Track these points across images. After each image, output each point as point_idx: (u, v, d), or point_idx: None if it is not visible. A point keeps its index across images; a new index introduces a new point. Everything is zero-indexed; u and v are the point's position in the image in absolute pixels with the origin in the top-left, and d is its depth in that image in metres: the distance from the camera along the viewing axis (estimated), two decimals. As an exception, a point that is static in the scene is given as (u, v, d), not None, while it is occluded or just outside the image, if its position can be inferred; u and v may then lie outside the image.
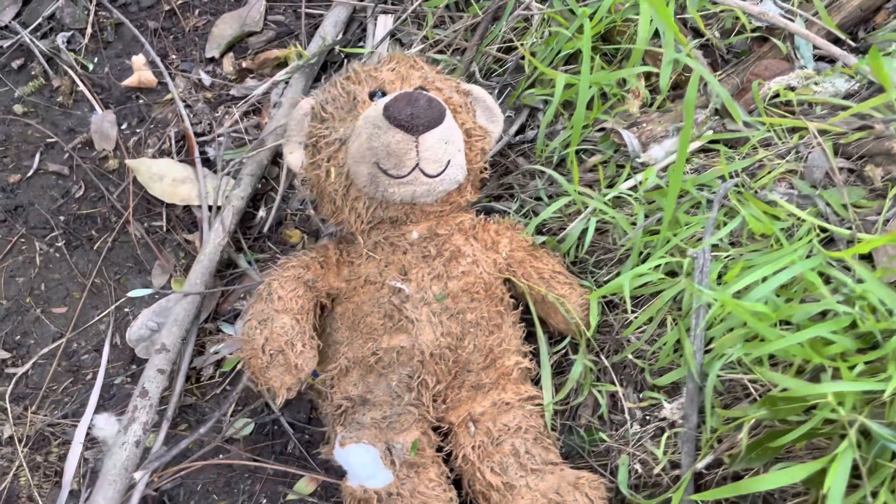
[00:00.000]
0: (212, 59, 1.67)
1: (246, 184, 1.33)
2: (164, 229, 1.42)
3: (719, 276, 1.02)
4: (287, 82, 1.50)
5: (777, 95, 1.14)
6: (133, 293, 1.35)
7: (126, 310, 1.35)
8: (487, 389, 1.03)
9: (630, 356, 1.08)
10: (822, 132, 1.05)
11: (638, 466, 1.04)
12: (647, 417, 1.06)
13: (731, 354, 0.94)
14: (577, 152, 1.23)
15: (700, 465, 0.96)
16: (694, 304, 1.01)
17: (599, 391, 1.09)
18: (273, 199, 1.41)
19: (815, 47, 1.17)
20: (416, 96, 0.91)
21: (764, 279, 0.97)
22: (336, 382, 1.02)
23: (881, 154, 1.01)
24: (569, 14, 1.32)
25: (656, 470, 1.00)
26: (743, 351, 0.93)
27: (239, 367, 1.25)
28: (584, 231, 1.16)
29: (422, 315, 0.99)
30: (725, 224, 1.05)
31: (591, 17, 1.24)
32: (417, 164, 0.92)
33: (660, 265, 1.05)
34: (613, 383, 1.08)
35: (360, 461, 0.98)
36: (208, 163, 1.48)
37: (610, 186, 1.16)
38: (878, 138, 1.01)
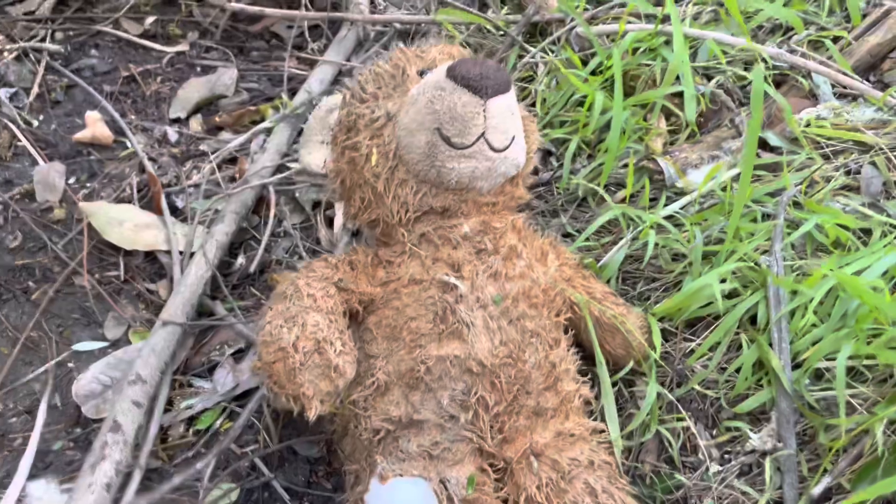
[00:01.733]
0: (177, 120, 1.54)
1: (230, 220, 1.17)
2: (121, 279, 1.21)
3: (793, 292, 0.93)
4: (268, 133, 1.38)
5: (807, 126, 1.12)
6: (80, 346, 1.12)
7: (70, 365, 1.10)
8: (549, 416, 0.86)
9: (697, 387, 0.94)
10: (873, 149, 1.03)
11: (726, 511, 0.87)
12: (727, 454, 0.91)
13: (838, 355, 0.83)
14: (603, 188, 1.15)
15: (816, 489, 0.81)
16: (773, 313, 0.91)
17: (667, 429, 0.93)
18: (253, 247, 1.24)
19: (832, 86, 1.17)
20: (482, 59, 0.81)
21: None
22: (372, 403, 0.83)
23: (937, 164, 0.99)
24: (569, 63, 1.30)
25: (757, 505, 0.84)
26: (856, 349, 0.82)
27: (217, 425, 1.02)
28: (626, 259, 1.06)
29: (477, 319, 0.83)
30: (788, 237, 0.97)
31: (608, 60, 1.21)
32: (483, 134, 0.81)
33: (726, 279, 0.95)
34: (682, 419, 0.93)
35: (408, 499, 0.77)
36: (176, 212, 1.30)
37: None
38: (934, 147, 0.99)
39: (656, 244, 1.03)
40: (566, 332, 0.93)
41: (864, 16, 1.24)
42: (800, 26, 1.23)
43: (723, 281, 0.95)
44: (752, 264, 0.94)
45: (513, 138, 0.84)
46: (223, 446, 0.92)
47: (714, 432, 0.93)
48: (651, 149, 1.15)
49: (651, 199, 1.11)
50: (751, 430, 0.90)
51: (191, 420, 1.03)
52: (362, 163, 0.86)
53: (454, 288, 0.83)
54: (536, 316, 0.87)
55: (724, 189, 1.04)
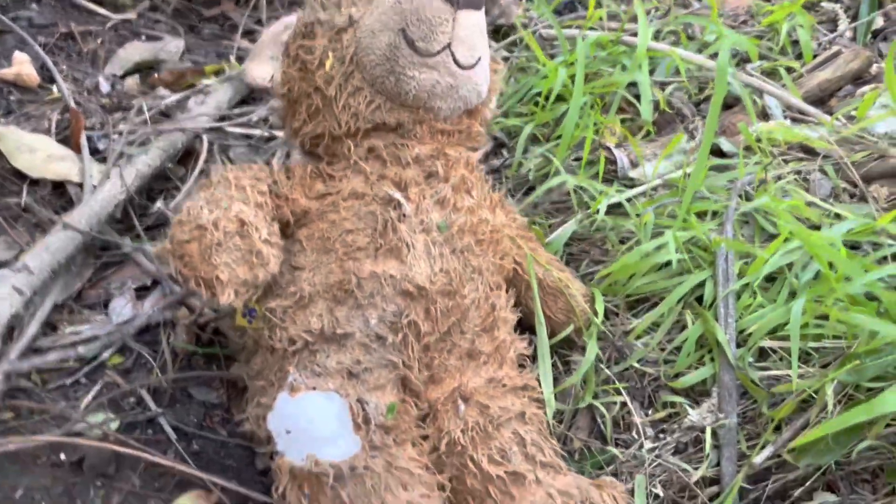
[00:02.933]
0: (112, 76, 1.46)
1: (155, 154, 1.08)
2: (21, 206, 1.10)
3: (740, 275, 0.90)
4: (208, 93, 1.31)
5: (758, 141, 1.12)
6: (-41, 262, 0.99)
7: (-56, 280, 0.97)
8: (482, 362, 0.79)
9: (636, 364, 0.89)
10: (821, 157, 1.03)
11: (658, 489, 0.80)
12: (662, 433, 0.85)
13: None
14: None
15: (758, 459, 0.75)
16: (721, 290, 0.87)
17: (602, 403, 0.87)
18: (174, 196, 1.15)
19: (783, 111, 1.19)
20: (458, -27, 0.78)
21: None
22: (291, 315, 0.74)
23: (886, 175, 0.99)
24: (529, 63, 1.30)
25: (694, 479, 0.78)
26: (809, 314, 0.78)
27: (105, 356, 0.90)
28: (573, 241, 1.02)
29: (419, 242, 0.77)
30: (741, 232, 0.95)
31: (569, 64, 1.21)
32: (449, 45, 0.77)
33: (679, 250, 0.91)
34: (619, 392, 0.87)
35: (320, 415, 0.68)
36: (96, 155, 1.20)
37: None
38: (883, 157, 1.00)
39: (603, 226, 1.00)
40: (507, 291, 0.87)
41: (815, 56, 1.29)
42: (755, 55, 1.26)
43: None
44: (703, 238, 0.91)
45: (479, 59, 0.80)
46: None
47: (650, 412, 0.87)
48: (606, 140, 1.13)
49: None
50: (689, 406, 0.84)
51: (74, 347, 0.91)
52: (315, 68, 0.80)
53: (398, 206, 0.77)
54: (481, 255, 0.81)
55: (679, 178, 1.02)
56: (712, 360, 0.86)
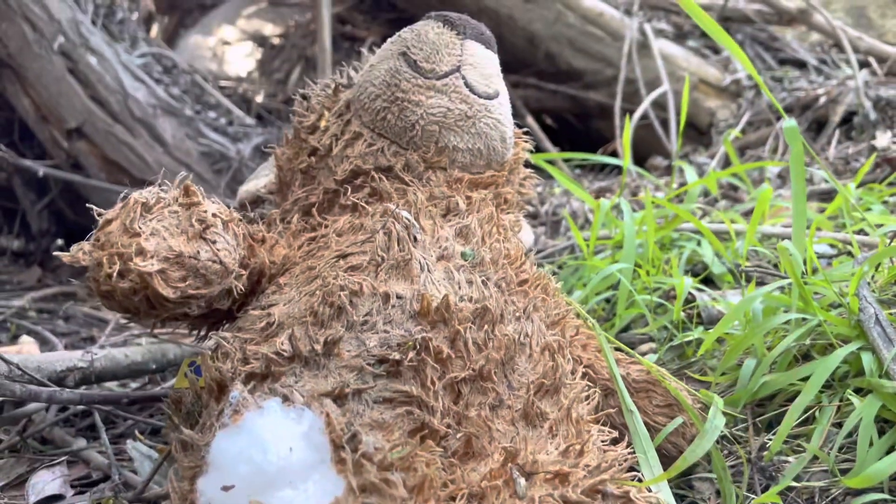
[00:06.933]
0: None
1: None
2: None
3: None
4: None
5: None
6: None
7: None
8: (550, 430, 0.51)
9: (794, 483, 0.58)
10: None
11: None
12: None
13: None
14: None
15: None
16: (885, 353, 0.60)
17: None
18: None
19: None
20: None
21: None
22: (252, 347, 0.49)
23: None
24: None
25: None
26: None
27: None
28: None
29: (436, 268, 0.56)
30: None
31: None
32: (459, 68, 0.66)
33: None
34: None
35: (278, 438, 0.40)
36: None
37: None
38: None
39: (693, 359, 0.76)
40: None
41: None
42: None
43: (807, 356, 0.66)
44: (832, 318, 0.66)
45: (498, 93, 0.68)
46: None
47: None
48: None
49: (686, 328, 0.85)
50: (902, 505, 0.52)
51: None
52: (309, 132, 0.69)
53: (407, 226, 0.58)
54: (525, 302, 0.58)
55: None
56: (908, 440, 0.55)
